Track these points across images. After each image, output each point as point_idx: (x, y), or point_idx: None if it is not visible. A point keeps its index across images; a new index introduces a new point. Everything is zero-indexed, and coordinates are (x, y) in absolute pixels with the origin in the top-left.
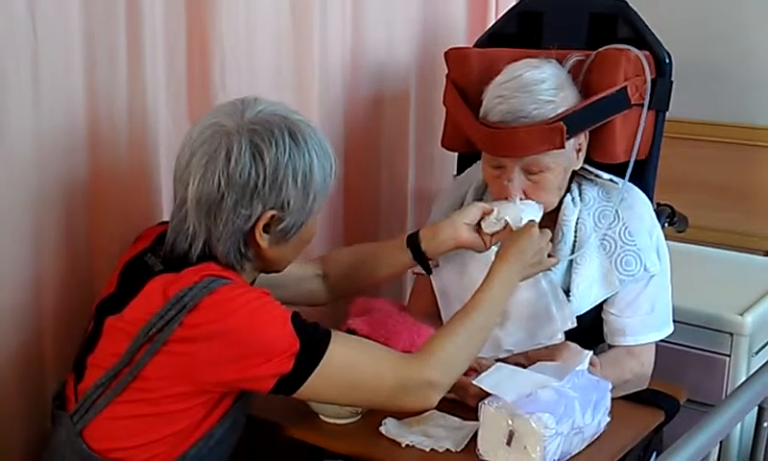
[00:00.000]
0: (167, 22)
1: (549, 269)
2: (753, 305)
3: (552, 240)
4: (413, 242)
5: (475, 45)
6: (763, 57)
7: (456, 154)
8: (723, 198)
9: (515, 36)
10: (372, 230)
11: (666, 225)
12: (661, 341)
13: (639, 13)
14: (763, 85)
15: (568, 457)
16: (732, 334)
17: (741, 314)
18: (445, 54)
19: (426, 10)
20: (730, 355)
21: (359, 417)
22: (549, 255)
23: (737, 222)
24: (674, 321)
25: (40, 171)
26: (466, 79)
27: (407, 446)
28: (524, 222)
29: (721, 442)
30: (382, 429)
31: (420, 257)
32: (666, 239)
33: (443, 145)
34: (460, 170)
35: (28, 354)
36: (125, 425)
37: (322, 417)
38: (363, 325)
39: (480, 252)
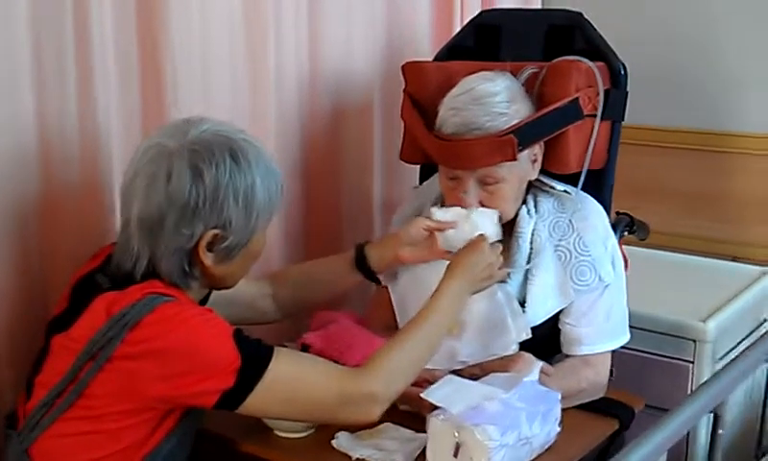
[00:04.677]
0: (118, 40)
1: (504, 281)
2: (716, 312)
3: (508, 252)
4: (360, 259)
5: (435, 58)
6: (732, 64)
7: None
8: (692, 205)
9: (473, 48)
10: (336, 240)
11: (626, 233)
12: (626, 348)
13: (595, 25)
14: (732, 92)
15: None
16: (695, 341)
17: (704, 320)
18: (403, 67)
19: (390, 22)
20: (693, 362)
21: (312, 431)
22: (501, 268)
23: (707, 229)
24: (638, 328)
25: None
26: (423, 92)
27: (357, 459)
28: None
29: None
30: (334, 443)
31: (368, 273)
32: (631, 246)
33: (401, 158)
34: (422, 181)
35: None
36: (70, 443)
37: (276, 432)
38: (317, 339)
39: (423, 262)
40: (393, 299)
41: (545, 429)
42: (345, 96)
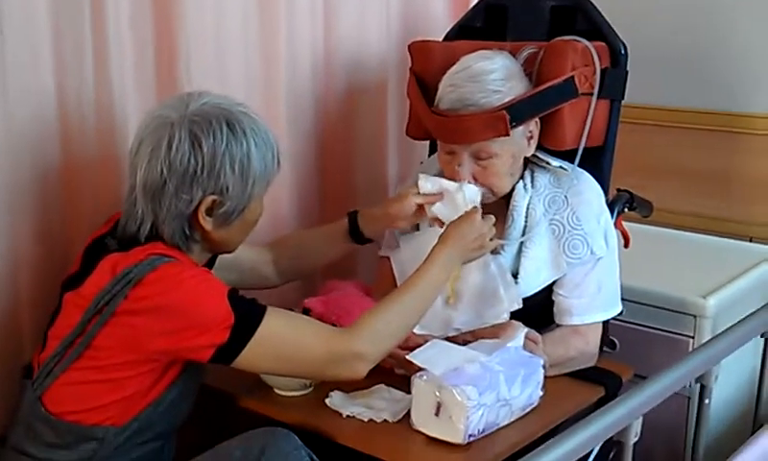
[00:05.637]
0: (133, 19)
1: (498, 253)
2: (718, 289)
3: (503, 225)
4: (353, 227)
5: (445, 38)
6: (745, 45)
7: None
8: (705, 184)
9: (481, 28)
10: None
11: (626, 210)
12: (628, 322)
13: (609, 6)
14: (744, 73)
15: (496, 428)
16: (695, 316)
17: (704, 297)
18: (409, 46)
19: (406, 1)
20: (693, 337)
21: (310, 389)
22: (492, 239)
23: (720, 208)
24: (641, 303)
25: (13, 159)
26: (428, 71)
27: (348, 416)
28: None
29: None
30: (327, 401)
31: (361, 240)
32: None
33: (407, 134)
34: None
35: (5, 333)
36: (78, 391)
37: (275, 390)
38: (317, 304)
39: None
40: (394, 268)
41: (526, 392)
42: (360, 73)
